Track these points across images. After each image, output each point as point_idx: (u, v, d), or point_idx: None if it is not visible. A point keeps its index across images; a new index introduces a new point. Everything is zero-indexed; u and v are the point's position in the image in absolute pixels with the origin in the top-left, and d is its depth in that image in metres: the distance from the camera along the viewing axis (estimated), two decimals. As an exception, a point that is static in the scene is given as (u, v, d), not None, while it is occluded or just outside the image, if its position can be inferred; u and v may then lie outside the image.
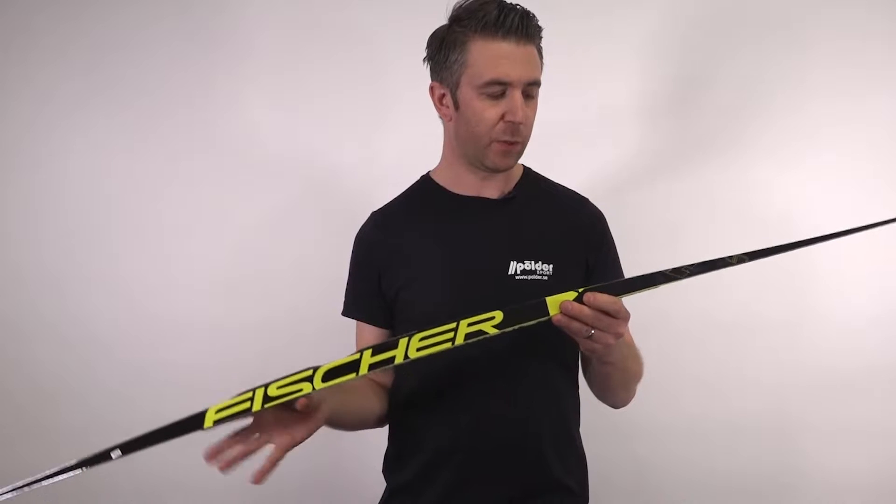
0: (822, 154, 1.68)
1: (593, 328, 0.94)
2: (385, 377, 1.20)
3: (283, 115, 1.72)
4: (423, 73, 1.16)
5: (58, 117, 1.71)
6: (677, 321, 1.69)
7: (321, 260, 1.62)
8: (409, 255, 1.15)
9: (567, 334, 0.96)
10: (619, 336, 0.97)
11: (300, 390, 0.91)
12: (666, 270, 0.95)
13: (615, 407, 1.24)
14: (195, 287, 1.72)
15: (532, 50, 1.06)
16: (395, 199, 1.23)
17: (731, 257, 0.95)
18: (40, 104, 1.71)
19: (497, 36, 1.03)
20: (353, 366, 0.92)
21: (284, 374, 0.91)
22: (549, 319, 0.94)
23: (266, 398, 0.90)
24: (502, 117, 1.06)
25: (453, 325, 0.93)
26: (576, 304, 0.92)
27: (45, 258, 1.72)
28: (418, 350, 0.93)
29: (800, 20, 1.68)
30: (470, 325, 0.93)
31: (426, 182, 1.22)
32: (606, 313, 0.93)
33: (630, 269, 1.25)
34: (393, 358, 0.93)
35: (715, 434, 1.72)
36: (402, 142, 1.68)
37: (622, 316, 0.94)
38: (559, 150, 1.55)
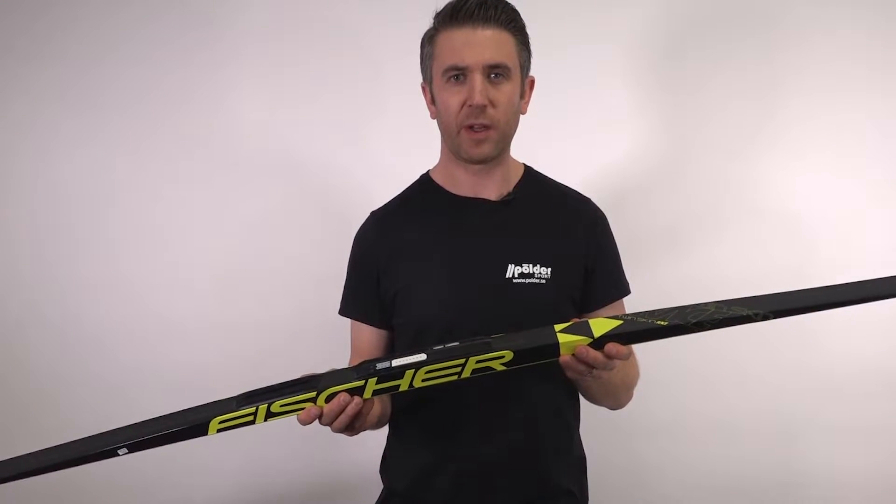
0: (820, 150, 1.68)
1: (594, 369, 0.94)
2: None
3: (280, 114, 1.72)
4: (419, 73, 1.16)
5: (57, 118, 1.71)
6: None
7: (319, 259, 1.62)
8: (408, 256, 1.15)
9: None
10: (612, 370, 0.96)
11: (303, 408, 0.92)
12: (688, 323, 0.92)
13: (611, 409, 1.24)
14: (194, 287, 1.72)
15: (495, 33, 1.05)
16: (395, 198, 1.23)
17: (755, 314, 0.91)
18: (40, 105, 1.71)
19: (455, 24, 1.05)
20: (357, 391, 0.92)
21: (288, 390, 0.92)
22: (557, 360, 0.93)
23: (269, 413, 0.91)
24: (465, 102, 1.06)
25: (462, 360, 0.91)
26: (591, 352, 0.91)
27: (45, 258, 1.72)
28: (423, 381, 0.92)
29: (795, 16, 1.68)
30: (478, 361, 0.92)
31: (426, 182, 1.21)
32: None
33: (631, 270, 1.25)
34: (398, 386, 0.93)
35: (715, 434, 1.72)
36: (399, 141, 1.68)
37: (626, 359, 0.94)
38: (560, 149, 1.55)
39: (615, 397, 1.19)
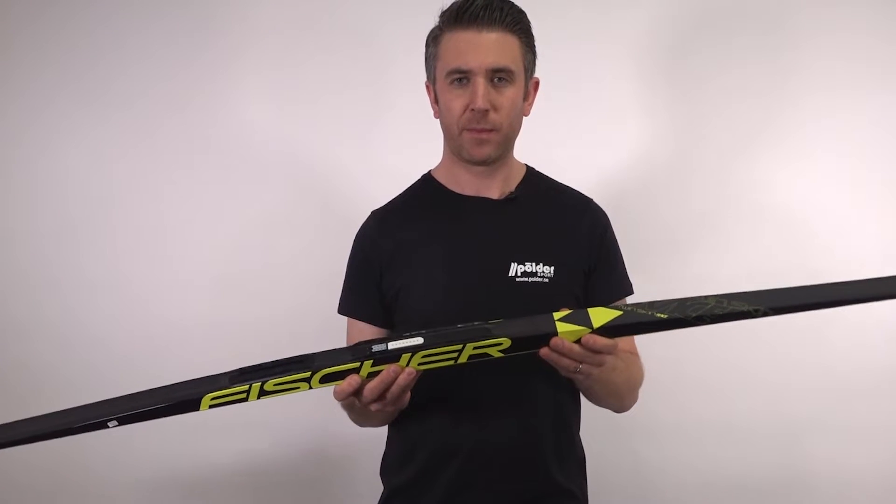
0: (821, 150, 1.69)
1: (581, 364, 0.93)
2: None
3: (281, 114, 1.72)
4: (422, 73, 1.16)
5: (58, 117, 1.71)
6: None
7: (320, 259, 1.61)
8: (410, 254, 1.14)
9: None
10: (602, 366, 0.96)
11: (297, 388, 0.91)
12: (688, 316, 0.91)
13: (616, 412, 1.22)
14: (195, 286, 1.72)
15: (500, 37, 1.05)
16: (396, 197, 1.22)
17: (755, 310, 0.90)
18: (40, 104, 1.71)
19: (460, 26, 1.05)
20: (352, 372, 0.91)
21: (281, 369, 0.91)
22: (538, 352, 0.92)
23: (262, 392, 0.90)
24: (468, 106, 1.05)
25: (459, 346, 0.91)
26: (566, 343, 0.91)
27: (45, 258, 1.72)
28: (420, 365, 0.92)
29: (798, 16, 1.68)
30: (476, 347, 0.91)
31: (427, 181, 1.21)
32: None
33: (634, 270, 1.24)
34: None
35: (717, 435, 1.72)
36: (400, 141, 1.68)
37: (613, 353, 0.94)
38: (560, 150, 1.55)
39: (618, 398, 1.18)
